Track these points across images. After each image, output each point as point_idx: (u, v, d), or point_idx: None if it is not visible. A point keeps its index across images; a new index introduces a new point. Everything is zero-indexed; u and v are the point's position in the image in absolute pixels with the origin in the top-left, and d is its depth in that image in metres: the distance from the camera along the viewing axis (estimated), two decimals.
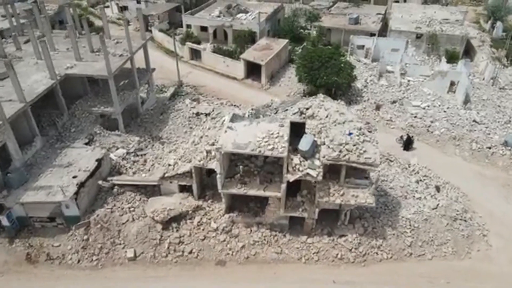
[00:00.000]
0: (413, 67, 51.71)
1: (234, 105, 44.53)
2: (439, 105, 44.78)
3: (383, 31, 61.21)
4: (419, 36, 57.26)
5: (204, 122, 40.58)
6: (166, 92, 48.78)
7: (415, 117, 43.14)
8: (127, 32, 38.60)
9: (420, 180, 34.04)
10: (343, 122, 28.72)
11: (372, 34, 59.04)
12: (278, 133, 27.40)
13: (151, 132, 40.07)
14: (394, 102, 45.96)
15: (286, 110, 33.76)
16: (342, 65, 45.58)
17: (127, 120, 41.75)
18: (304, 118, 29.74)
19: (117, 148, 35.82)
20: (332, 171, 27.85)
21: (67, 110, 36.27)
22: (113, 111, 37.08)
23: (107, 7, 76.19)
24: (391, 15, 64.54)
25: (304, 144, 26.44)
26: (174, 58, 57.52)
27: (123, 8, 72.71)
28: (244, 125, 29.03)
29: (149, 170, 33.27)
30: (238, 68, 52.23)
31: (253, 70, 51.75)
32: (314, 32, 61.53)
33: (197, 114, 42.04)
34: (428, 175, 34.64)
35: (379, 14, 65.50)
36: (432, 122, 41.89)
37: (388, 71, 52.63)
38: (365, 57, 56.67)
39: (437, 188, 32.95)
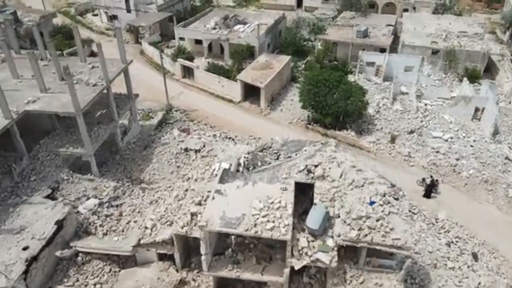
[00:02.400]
0: (430, 88, 44.95)
1: (229, 138, 37.90)
2: (464, 137, 38.08)
3: (393, 43, 54.33)
4: (435, 52, 50.37)
5: (193, 160, 34.08)
6: (153, 118, 42.07)
7: (437, 152, 36.45)
8: (102, 57, 31.83)
9: (452, 243, 27.42)
10: (362, 185, 22.09)
11: (382, 49, 52.26)
12: (279, 202, 20.83)
13: (131, 173, 33.48)
14: (411, 132, 39.26)
15: (290, 157, 27.14)
16: (353, 90, 38.80)
17: (104, 156, 35.29)
18: (312, 178, 23.06)
19: (88, 198, 29.35)
20: (348, 249, 21.26)
21: (28, 153, 29.62)
22: (83, 153, 30.44)
23: (96, 15, 69.49)
24: (402, 26, 57.55)
25: (314, 220, 19.88)
26: (166, 76, 50.91)
27: (112, 18, 65.83)
28: (237, 186, 22.50)
29: (123, 231, 26.84)
30: (234, 89, 45.53)
31: (251, 91, 45.03)
32: (319, 44, 54.67)
33: (186, 150, 35.38)
34: (461, 236, 27.97)
35: (389, 25, 58.53)
36: (458, 159, 35.19)
37: (402, 92, 45.87)
38: (375, 75, 49.91)
39: (475, 256, 26.32)
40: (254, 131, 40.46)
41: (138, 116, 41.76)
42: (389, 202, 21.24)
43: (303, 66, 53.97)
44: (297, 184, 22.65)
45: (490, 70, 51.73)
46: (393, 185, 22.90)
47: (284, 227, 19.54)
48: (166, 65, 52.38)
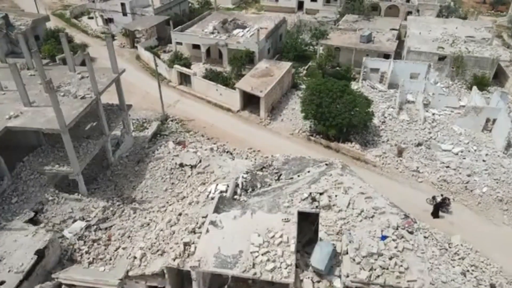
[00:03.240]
0: (437, 97, 42.53)
1: (227, 152, 35.47)
2: (475, 150, 35.68)
3: (397, 47, 51.92)
4: (441, 58, 47.95)
5: (188, 177, 31.72)
6: (147, 129, 39.69)
7: (448, 167, 34.07)
8: (91, 67, 29.44)
9: (468, 271, 25.04)
10: (372, 216, 19.75)
11: (386, 55, 49.91)
12: (281, 236, 18.51)
13: (122, 191, 31.09)
14: (419, 144, 36.88)
15: (292, 178, 24.79)
16: (357, 100, 36.41)
17: (95, 170, 33.00)
18: (317, 207, 20.70)
19: (74, 220, 27.05)
20: None
21: (10, 172, 27.27)
22: (70, 172, 28.07)
23: (91, 18, 67.05)
24: (407, 31, 55.11)
25: (319, 259, 17.56)
26: (162, 82, 48.59)
27: (108, 21, 63.41)
28: (234, 216, 20.20)
29: (110, 259, 24.51)
30: (233, 98, 43.13)
31: (250, 99, 42.66)
32: (321, 49, 52.29)
33: (181, 165, 32.94)
34: (477, 264, 25.59)
35: (394, 29, 56.16)
36: (469, 176, 32.82)
37: (408, 101, 43.49)
38: (380, 82, 47.55)
39: None
40: (253, 143, 38.13)
41: (132, 127, 39.45)
42: (403, 237, 18.91)
43: (304, 72, 51.68)
44: (301, 214, 20.31)
45: (499, 76, 49.33)
46: (406, 216, 20.56)
47: (286, 267, 17.23)
48: (162, 71, 50.11)
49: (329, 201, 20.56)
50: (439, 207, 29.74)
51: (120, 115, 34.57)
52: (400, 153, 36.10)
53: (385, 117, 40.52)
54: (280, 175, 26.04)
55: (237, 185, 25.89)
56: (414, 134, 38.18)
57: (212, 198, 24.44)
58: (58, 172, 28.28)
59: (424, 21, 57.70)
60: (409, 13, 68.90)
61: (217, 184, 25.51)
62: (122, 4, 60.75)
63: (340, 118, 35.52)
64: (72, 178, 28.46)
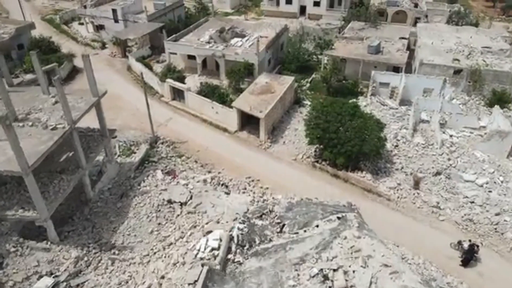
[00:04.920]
0: (455, 116, 37.87)
1: (222, 184, 30.84)
2: (502, 182, 31.14)
3: (407, 57, 47.14)
4: (457, 71, 43.21)
5: (178, 216, 27.16)
6: (135, 153, 35.05)
7: (473, 202, 29.47)
8: (62, 93, 24.76)
9: None
10: None
11: (395, 68, 45.21)
12: None
13: (100, 234, 26.50)
14: (438, 173, 32.31)
15: (297, 233, 20.20)
16: (368, 124, 31.74)
17: (71, 207, 28.45)
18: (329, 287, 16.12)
19: (40, 276, 22.53)
20: None
21: None
22: (36, 218, 23.49)
23: (82, 24, 62.27)
24: (418, 40, 50.31)
25: None
26: (154, 97, 44.12)
27: (99, 28, 58.63)
28: None
29: None
30: (230, 116, 38.49)
31: (249, 118, 38.00)
32: (325, 59, 47.54)
33: (169, 201, 28.39)
34: None
35: (403, 38, 51.37)
36: (498, 214, 28.28)
37: (422, 120, 38.84)
38: (390, 98, 42.85)
39: None
40: (252, 171, 33.55)
41: (118, 151, 34.95)
42: None
43: (308, 85, 46.96)
44: None
45: None
46: None
47: None
48: (154, 84, 45.55)
49: (346, 280, 15.99)
50: (471, 256, 25.12)
51: (102, 143, 29.92)
52: (417, 183, 31.48)
53: (398, 140, 35.93)
54: (283, 225, 21.47)
55: (231, 239, 21.36)
56: (431, 161, 33.57)
57: (201, 258, 19.94)
58: (22, 218, 23.68)
59: (435, 29, 52.90)
60: (418, 19, 64.03)
61: (207, 239, 20.91)
62: (114, 11, 56.02)
63: (349, 145, 30.92)
64: (38, 224, 23.87)
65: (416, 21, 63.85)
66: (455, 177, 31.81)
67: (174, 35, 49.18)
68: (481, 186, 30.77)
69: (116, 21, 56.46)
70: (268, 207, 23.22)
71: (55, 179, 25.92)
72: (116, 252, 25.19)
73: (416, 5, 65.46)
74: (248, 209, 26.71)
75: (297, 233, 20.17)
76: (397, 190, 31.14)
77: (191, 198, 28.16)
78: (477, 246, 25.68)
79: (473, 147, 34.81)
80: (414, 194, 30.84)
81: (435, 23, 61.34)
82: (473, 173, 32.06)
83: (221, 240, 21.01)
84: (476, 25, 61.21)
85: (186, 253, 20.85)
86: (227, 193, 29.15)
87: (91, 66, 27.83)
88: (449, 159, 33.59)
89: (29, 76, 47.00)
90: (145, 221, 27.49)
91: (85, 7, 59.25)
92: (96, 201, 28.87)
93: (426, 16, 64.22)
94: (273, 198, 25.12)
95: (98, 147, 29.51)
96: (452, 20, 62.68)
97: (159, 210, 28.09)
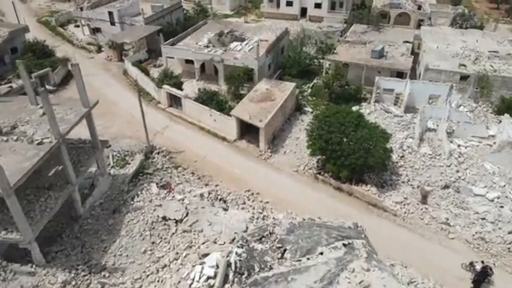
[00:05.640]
0: (463, 125, 36.14)
1: (220, 199, 29.11)
2: None
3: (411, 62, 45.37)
4: (464, 77, 41.45)
5: (173, 234, 25.52)
6: (129, 164, 33.33)
7: (483, 219, 27.75)
8: (48, 105, 23.03)
9: None
10: None
11: (399, 73, 43.44)
12: None
13: (90, 255, 24.81)
14: (446, 187, 30.60)
15: (299, 260, 18.47)
16: (373, 135, 29.99)
17: (60, 224, 26.81)
18: None
19: None
20: None
21: None
22: (19, 240, 21.78)
23: (78, 26, 60.45)
24: (423, 44, 48.52)
25: None
26: (150, 103, 42.49)
27: (95, 30, 56.83)
28: None
29: None
30: (228, 125, 36.76)
31: (248, 127, 36.25)
32: (327, 64, 45.75)
33: (164, 218, 26.70)
34: None
35: (407, 42, 49.56)
36: (511, 233, 26.47)
37: (428, 128, 37.11)
38: (394, 104, 41.09)
39: None
40: (251, 183, 31.86)
41: (112, 161, 33.25)
42: None
43: (309, 90, 45.20)
44: None
45: None
46: None
47: None
48: (151, 90, 43.85)
49: None
50: (483, 279, 23.41)
51: (93, 155, 28.19)
52: (424, 198, 29.76)
53: (404, 151, 34.20)
54: (285, 250, 19.75)
55: (229, 265, 19.65)
56: (439, 173, 31.84)
57: None
58: (5, 241, 21.98)
59: (440, 33, 51.11)
60: (421, 21, 62.26)
61: (202, 267, 19.18)
62: (110, 13, 54.22)
63: (353, 157, 29.20)
64: (22, 247, 22.17)
65: (419, 24, 62.14)
66: (465, 191, 30.08)
67: (171, 39, 47.42)
68: (492, 200, 29.04)
69: (113, 23, 54.67)
70: (269, 229, 21.49)
71: (42, 196, 24.26)
72: (107, 274, 23.54)
73: (419, 7, 63.63)
74: (247, 227, 25.19)
75: (299, 260, 18.47)
76: (404, 204, 29.44)
77: (187, 215, 26.56)
78: (490, 268, 23.97)
79: (482, 158, 33.07)
80: (421, 209, 29.13)
81: (438, 25, 59.65)
82: (483, 186, 30.33)
83: (217, 266, 19.29)
84: (481, 27, 59.43)
85: (179, 282, 19.16)
86: (225, 209, 27.51)
87: (80, 74, 26.02)
88: (457, 171, 31.87)
89: (22, 82, 45.26)
90: (138, 240, 25.82)
91: (81, 9, 57.42)
92: (86, 217, 27.18)
93: (430, 19, 62.42)
94: (273, 218, 23.44)
95: (89, 160, 27.80)
96: (456, 22, 60.89)
97: (153, 228, 26.43)
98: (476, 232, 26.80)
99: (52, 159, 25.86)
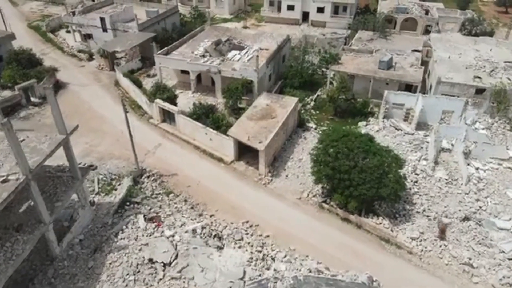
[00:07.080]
0: (481, 145, 32.64)
1: (214, 236, 25.58)
2: None
3: None
4: (479, 91, 37.91)
5: (160, 280, 22.05)
6: (116, 190, 29.85)
7: (511, 259, 24.22)
8: (13, 136, 19.51)
9: None
10: None
11: (408, 85, 39.95)
12: None
13: None
14: (466, 219, 27.09)
15: None
16: (386, 161, 26.44)
17: (34, 266, 23.34)
18: None
19: None
20: None
21: None
22: None
23: (69, 32, 56.83)
24: (433, 54, 44.88)
25: None
26: (142, 118, 39.09)
27: (86, 37, 53.24)
28: None
29: None
30: (225, 144, 33.25)
31: (247, 147, 32.66)
32: (332, 74, 42.20)
33: (151, 260, 23.21)
34: None
35: (416, 50, 45.96)
36: None
37: (443, 148, 33.61)
38: (404, 120, 37.57)
39: None
40: (250, 213, 28.41)
41: (97, 187, 29.80)
42: None
43: (312, 103, 41.67)
44: None
45: None
46: None
47: None
48: (143, 104, 40.34)
49: None
50: None
51: (72, 187, 24.67)
52: (442, 232, 26.29)
53: (417, 175, 30.73)
54: None
55: None
56: (457, 201, 28.39)
57: None
58: None
59: (451, 41, 47.48)
60: (428, 26, 58.67)
61: None
62: (102, 19, 50.59)
63: (363, 188, 25.64)
64: None
65: (426, 29, 58.59)
66: (487, 224, 26.60)
67: (166, 48, 43.81)
68: None
69: (105, 30, 51.07)
70: (269, 285, 17.99)
71: (8, 241, 20.74)
72: None
73: (427, 12, 59.99)
74: (244, 272, 21.78)
75: None
76: (420, 240, 25.94)
77: (176, 257, 23.03)
78: None
79: (504, 184, 29.57)
80: (440, 246, 25.66)
81: (447, 31, 56.08)
82: (508, 218, 26.89)
83: None
84: (491, 34, 55.86)
85: None
86: (220, 248, 24.02)
87: (56, 102, 22.46)
88: (477, 200, 28.41)
89: (6, 93, 41.84)
90: (120, 286, 22.32)
91: (73, 13, 53.78)
92: (63, 258, 23.70)
93: (437, 24, 58.80)
94: (274, 270, 19.97)
95: (67, 192, 24.28)
96: (465, 28, 57.27)
97: (138, 271, 22.97)
98: (503, 277, 23.33)
99: (24, 192, 22.38)
